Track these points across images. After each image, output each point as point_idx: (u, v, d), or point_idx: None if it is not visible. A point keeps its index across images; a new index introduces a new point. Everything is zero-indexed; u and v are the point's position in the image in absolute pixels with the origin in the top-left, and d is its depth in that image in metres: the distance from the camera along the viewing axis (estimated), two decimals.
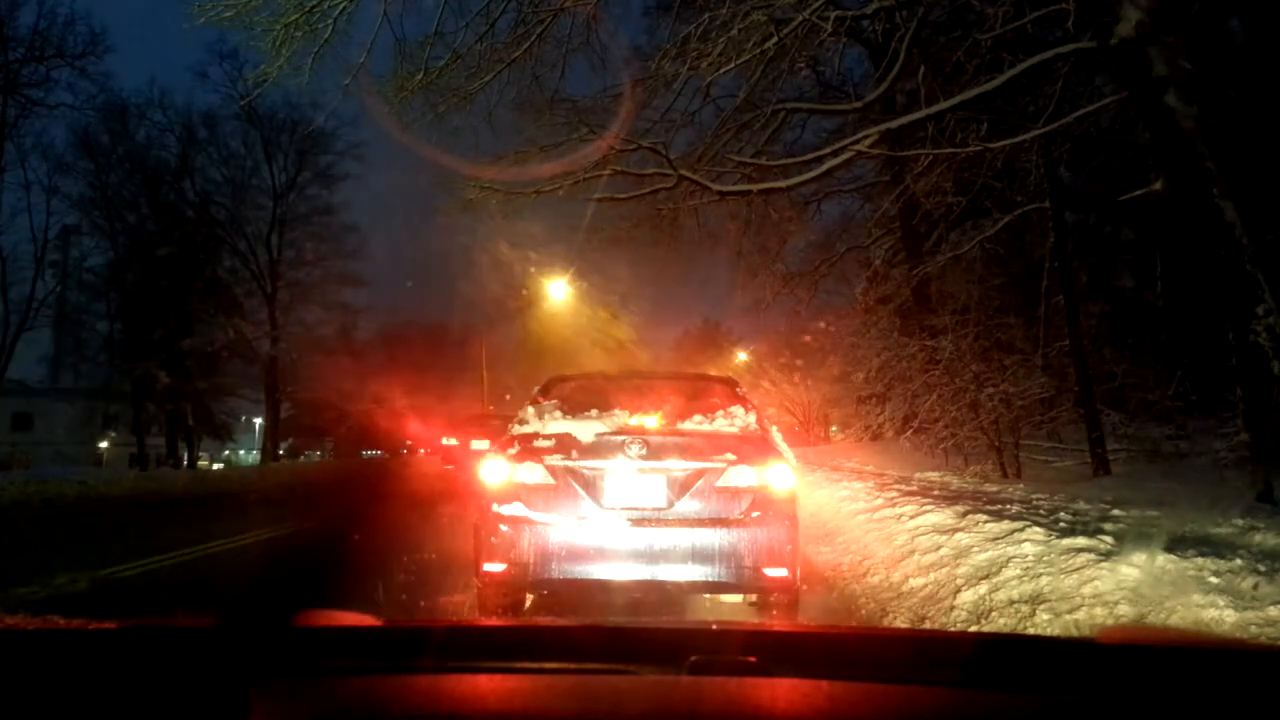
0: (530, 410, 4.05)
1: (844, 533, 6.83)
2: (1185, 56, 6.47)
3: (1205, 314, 8.77)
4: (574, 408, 4.13)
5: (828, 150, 9.58)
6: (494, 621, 3.29)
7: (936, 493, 7.84)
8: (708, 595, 3.97)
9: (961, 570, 4.40)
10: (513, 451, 3.79)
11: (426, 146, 9.80)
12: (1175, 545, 3.81)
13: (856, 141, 8.99)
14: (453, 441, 19.11)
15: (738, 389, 4.71)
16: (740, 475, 3.69)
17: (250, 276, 32.22)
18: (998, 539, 4.67)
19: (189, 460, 32.35)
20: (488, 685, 1.00)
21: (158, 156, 30.82)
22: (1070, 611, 3.41)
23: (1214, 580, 3.33)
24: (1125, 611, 3.26)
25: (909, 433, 13.32)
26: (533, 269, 19.80)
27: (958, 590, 4.09)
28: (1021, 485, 9.54)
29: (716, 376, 5.83)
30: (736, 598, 3.98)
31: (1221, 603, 3.07)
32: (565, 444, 3.73)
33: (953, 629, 3.67)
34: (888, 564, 5.19)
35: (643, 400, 4.53)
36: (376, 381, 35.52)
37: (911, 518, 6.04)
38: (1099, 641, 1.08)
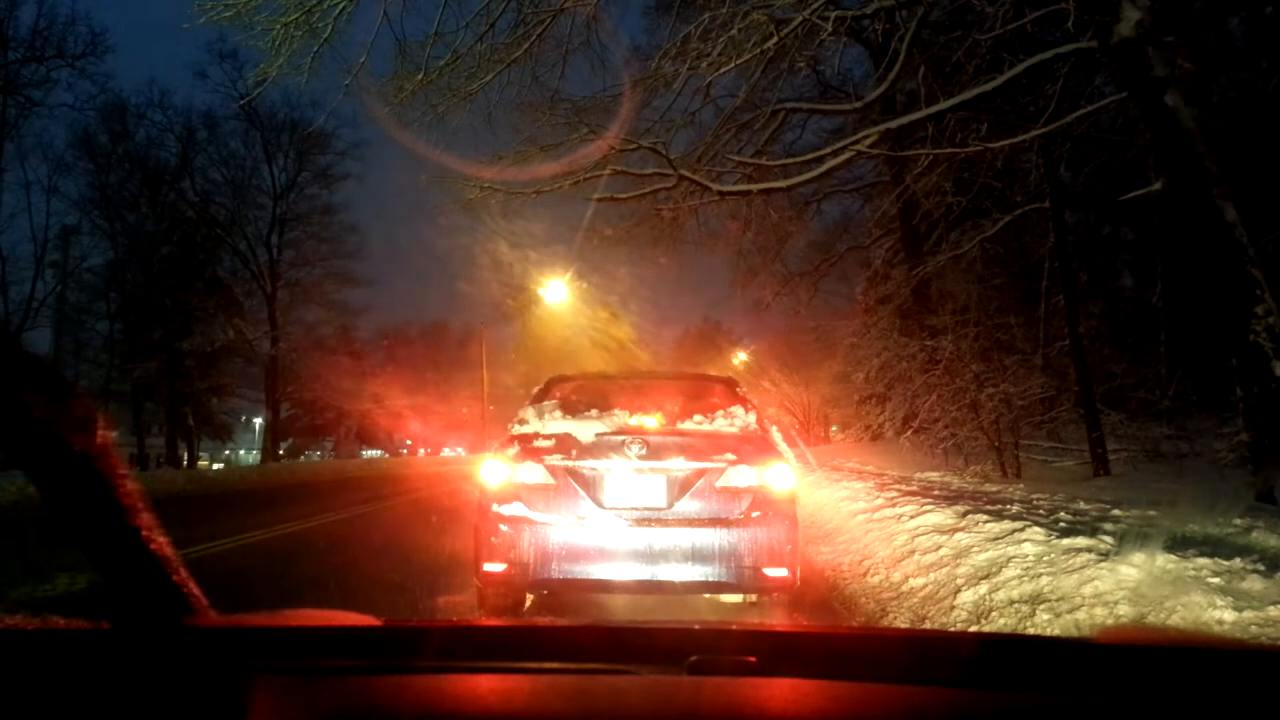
0: (530, 410, 4.04)
1: (844, 533, 6.82)
2: (1185, 56, 6.48)
3: (1205, 314, 8.78)
4: (574, 408, 4.12)
5: (828, 150, 9.60)
6: (494, 621, 3.29)
7: (936, 493, 7.83)
8: (708, 595, 3.97)
9: (961, 570, 4.40)
10: (512, 451, 3.79)
11: (426, 146, 9.80)
12: (1175, 545, 3.81)
13: (856, 141, 9.00)
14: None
15: (738, 389, 4.70)
16: (740, 475, 3.69)
17: (250, 276, 32.25)
18: (998, 539, 4.67)
19: (189, 460, 32.34)
20: (488, 685, 0.99)
21: (158, 156, 30.90)
22: (1070, 611, 3.41)
23: (1214, 580, 3.33)
24: (1125, 611, 3.26)
25: (909, 433, 13.33)
26: (533, 269, 19.78)
27: (958, 590, 4.09)
28: (1021, 485, 9.54)
29: (716, 376, 5.81)
30: (736, 598, 3.98)
31: (1221, 603, 3.06)
32: (565, 444, 3.73)
33: (953, 629, 3.66)
34: (888, 564, 5.18)
35: (643, 400, 4.52)
36: (376, 381, 35.61)
37: (911, 518, 6.03)
38: (1099, 641, 1.08)
